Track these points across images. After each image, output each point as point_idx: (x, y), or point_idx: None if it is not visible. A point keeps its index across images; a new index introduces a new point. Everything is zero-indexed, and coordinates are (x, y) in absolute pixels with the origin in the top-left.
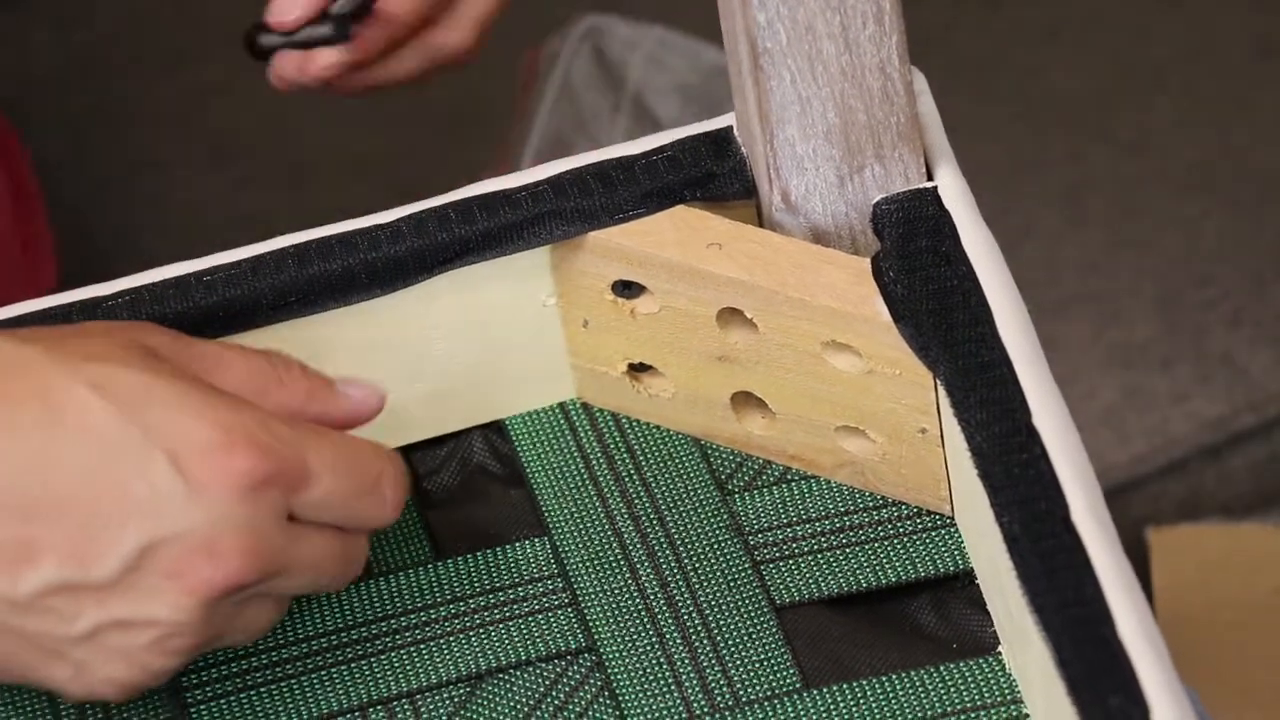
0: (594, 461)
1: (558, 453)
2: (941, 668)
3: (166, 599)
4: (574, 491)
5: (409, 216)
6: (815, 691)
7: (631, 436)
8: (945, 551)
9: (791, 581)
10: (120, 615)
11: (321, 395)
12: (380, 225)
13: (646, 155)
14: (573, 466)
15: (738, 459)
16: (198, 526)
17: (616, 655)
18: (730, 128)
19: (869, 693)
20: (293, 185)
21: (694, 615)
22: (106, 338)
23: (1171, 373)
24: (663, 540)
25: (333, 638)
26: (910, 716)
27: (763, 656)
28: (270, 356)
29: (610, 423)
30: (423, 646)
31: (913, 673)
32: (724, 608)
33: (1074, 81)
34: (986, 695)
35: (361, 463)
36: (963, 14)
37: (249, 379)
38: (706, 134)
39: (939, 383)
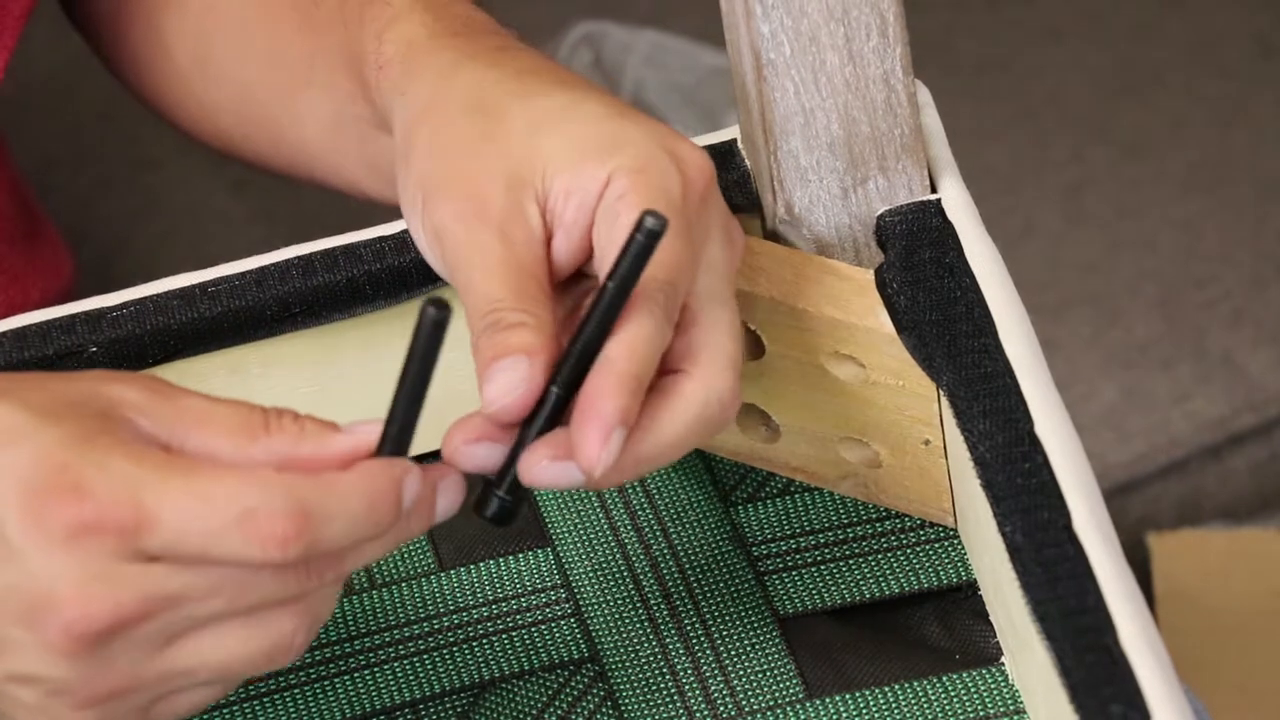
0: None
1: None
2: (944, 678)
3: (34, 653)
4: (577, 503)
5: None
6: (818, 701)
7: None
8: (948, 563)
9: (795, 592)
10: (9, 669)
11: (315, 437)
12: (384, 236)
13: None
14: None
15: (741, 471)
16: (32, 577)
17: (619, 665)
18: (734, 140)
19: (872, 703)
20: (292, 187)
21: (697, 625)
22: (58, 383)
23: (1171, 373)
24: (666, 551)
25: (336, 648)
26: None
27: (766, 667)
28: (265, 409)
29: None
30: (426, 656)
31: (916, 683)
32: (727, 618)
33: (1074, 81)
34: (990, 706)
35: (219, 500)
36: (963, 15)
37: (232, 429)
38: (710, 146)
39: (942, 393)
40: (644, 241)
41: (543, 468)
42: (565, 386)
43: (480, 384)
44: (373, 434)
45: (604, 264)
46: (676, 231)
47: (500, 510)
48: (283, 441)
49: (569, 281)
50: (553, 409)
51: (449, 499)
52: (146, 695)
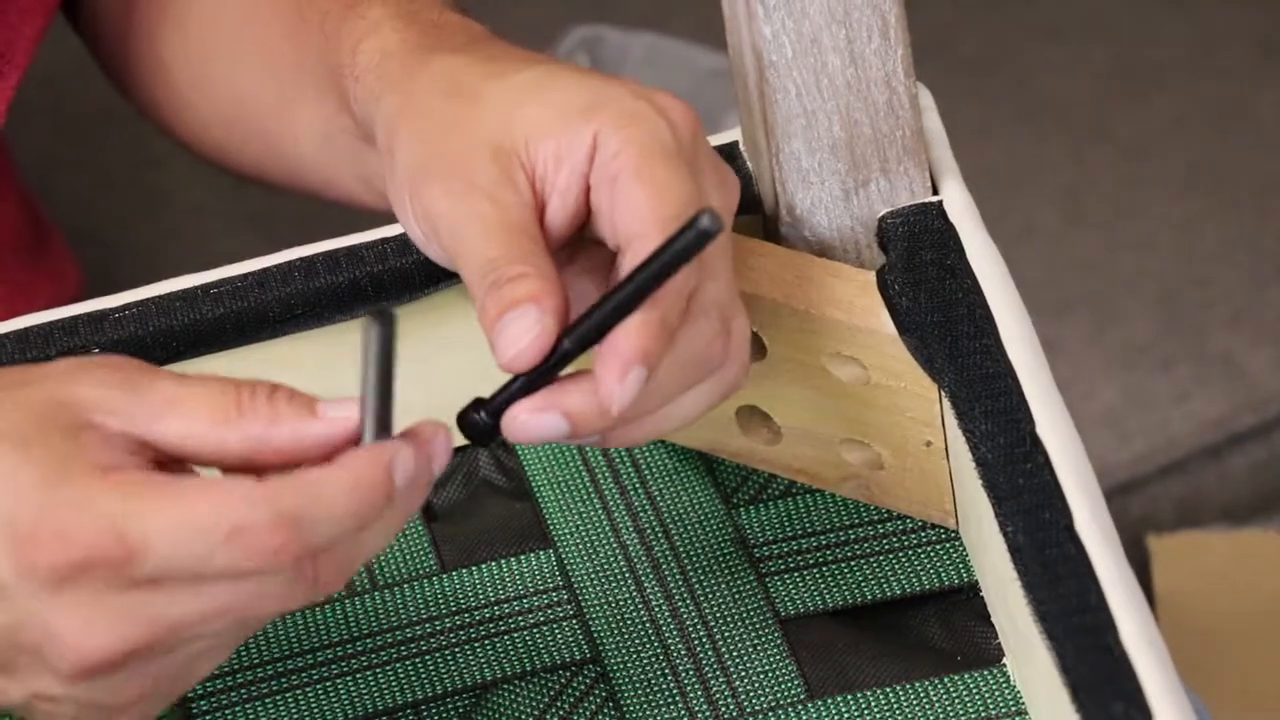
0: (599, 475)
1: (563, 466)
2: (946, 679)
3: (44, 678)
4: (579, 504)
5: None
6: (820, 702)
7: (636, 450)
8: (950, 564)
9: (796, 594)
10: (33, 690)
11: (290, 419)
12: (387, 238)
13: None
14: (578, 480)
15: (743, 473)
16: (33, 617)
17: (621, 666)
18: (736, 142)
19: (873, 704)
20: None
21: (699, 627)
22: (23, 391)
23: (1171, 373)
24: (668, 552)
25: (339, 649)
26: None
27: (767, 667)
28: (237, 385)
29: None
30: (428, 658)
31: (917, 684)
32: (728, 619)
33: (1074, 81)
34: (991, 707)
35: (204, 521)
36: (963, 15)
37: (201, 414)
38: (712, 148)
39: (943, 395)
40: (694, 239)
41: (522, 421)
42: (577, 343)
43: (491, 341)
44: (349, 418)
45: (606, 227)
46: (684, 175)
47: (474, 428)
48: (257, 424)
49: (569, 247)
50: (559, 362)
51: (440, 460)
52: (177, 682)
